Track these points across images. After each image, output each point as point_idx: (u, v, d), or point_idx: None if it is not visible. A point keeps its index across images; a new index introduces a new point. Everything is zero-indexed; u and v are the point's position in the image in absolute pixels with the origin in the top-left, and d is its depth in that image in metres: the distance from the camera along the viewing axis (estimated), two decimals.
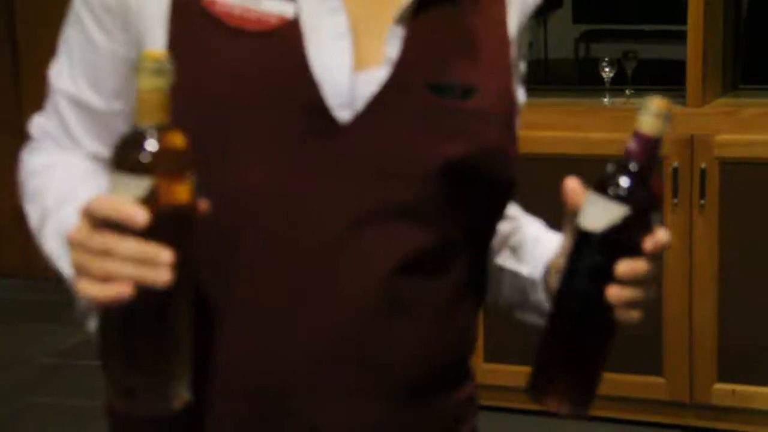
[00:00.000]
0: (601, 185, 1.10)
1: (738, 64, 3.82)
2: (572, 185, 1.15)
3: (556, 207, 3.35)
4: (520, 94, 1.38)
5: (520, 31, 1.38)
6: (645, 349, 3.50)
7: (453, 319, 1.30)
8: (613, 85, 3.71)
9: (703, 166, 3.33)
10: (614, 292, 1.09)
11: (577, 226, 1.13)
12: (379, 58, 1.23)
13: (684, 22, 3.39)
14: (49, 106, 1.38)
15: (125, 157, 1.03)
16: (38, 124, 1.39)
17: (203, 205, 1.05)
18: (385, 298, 1.23)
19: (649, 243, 1.08)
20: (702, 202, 3.34)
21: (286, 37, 1.20)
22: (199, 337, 1.16)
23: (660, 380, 3.53)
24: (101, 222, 1.01)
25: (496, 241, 1.39)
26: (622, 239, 1.10)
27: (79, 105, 1.35)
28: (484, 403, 3.53)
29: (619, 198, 1.09)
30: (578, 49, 3.98)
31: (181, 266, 1.01)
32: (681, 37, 3.47)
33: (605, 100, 3.64)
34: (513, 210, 1.42)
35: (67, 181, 1.34)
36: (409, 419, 1.28)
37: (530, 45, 4.46)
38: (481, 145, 1.25)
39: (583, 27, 3.79)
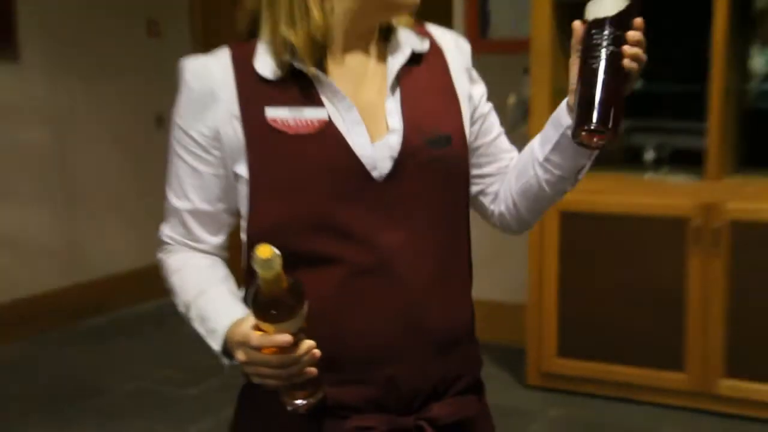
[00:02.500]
0: None
1: (744, 150, 4.09)
2: (579, 23, 1.45)
3: (620, 263, 3.97)
4: (487, 112, 1.67)
5: (467, 73, 1.65)
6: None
7: (467, 289, 1.62)
8: (653, 166, 4.06)
9: (716, 225, 3.72)
10: (630, 49, 1.40)
11: (591, 17, 1.42)
12: (383, 128, 1.52)
13: (705, 119, 3.76)
14: (172, 219, 1.62)
15: (276, 313, 1.34)
16: (167, 234, 1.63)
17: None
18: (436, 275, 1.53)
19: (640, 21, 1.40)
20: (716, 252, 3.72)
21: (329, 132, 1.48)
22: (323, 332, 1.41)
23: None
24: (257, 348, 1.34)
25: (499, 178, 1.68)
26: (626, 19, 1.39)
27: (196, 214, 1.59)
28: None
29: None
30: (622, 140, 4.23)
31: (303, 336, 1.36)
32: (702, 132, 3.80)
33: (649, 175, 4.00)
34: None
35: (200, 276, 1.59)
36: (449, 365, 1.56)
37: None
38: (462, 177, 1.59)
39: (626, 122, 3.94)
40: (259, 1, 1.51)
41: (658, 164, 4.09)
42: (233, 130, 1.49)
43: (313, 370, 1.37)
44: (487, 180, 1.68)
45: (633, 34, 1.39)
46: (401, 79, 1.55)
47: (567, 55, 3.97)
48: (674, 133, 4.13)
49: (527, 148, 1.61)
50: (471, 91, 1.62)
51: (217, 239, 1.60)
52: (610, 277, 3.97)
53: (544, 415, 3.93)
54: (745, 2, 3.96)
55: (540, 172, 1.57)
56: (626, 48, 1.38)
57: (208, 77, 1.52)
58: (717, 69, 3.70)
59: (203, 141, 1.52)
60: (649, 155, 4.08)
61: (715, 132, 3.76)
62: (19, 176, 5.00)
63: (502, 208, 1.66)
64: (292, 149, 1.47)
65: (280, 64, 1.47)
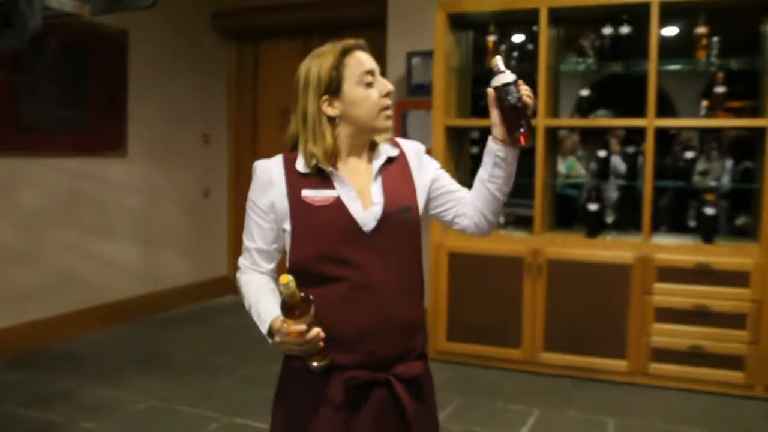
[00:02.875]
0: (497, 71, 1.51)
1: (555, 217, 4.16)
2: (491, 89, 1.51)
3: (483, 284, 3.71)
4: (446, 181, 1.61)
5: (422, 166, 1.60)
6: None
7: (421, 298, 1.57)
8: (504, 226, 4.09)
9: (540, 261, 3.80)
10: (525, 92, 1.49)
11: (500, 83, 1.49)
12: (370, 201, 1.50)
13: (533, 198, 3.83)
14: (245, 253, 1.57)
15: (295, 314, 1.34)
16: (241, 262, 1.58)
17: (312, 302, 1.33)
18: (401, 289, 1.50)
19: (522, 82, 1.48)
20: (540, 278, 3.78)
21: (339, 205, 1.47)
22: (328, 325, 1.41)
23: None
24: (286, 334, 1.36)
25: (462, 205, 1.61)
26: (517, 80, 1.50)
27: (260, 251, 1.56)
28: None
29: (512, 71, 1.50)
30: None
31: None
32: (532, 206, 3.88)
33: (500, 231, 3.99)
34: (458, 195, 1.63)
35: (258, 289, 1.55)
36: (408, 342, 1.53)
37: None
38: (416, 231, 1.56)
39: None
40: (297, 129, 1.52)
41: (506, 225, 4.16)
42: (282, 203, 1.50)
43: (321, 344, 1.40)
44: (454, 209, 1.64)
45: (523, 85, 1.51)
46: (381, 172, 1.54)
47: (454, 161, 4.20)
48: (517, 206, 4.15)
49: (476, 181, 1.59)
50: (423, 174, 1.59)
51: (271, 266, 1.58)
52: (479, 293, 3.97)
53: (437, 377, 3.70)
54: (554, 131, 4.08)
55: (490, 186, 1.57)
56: (523, 91, 1.50)
57: (270, 171, 1.52)
58: (539, 170, 3.86)
59: (265, 208, 1.52)
60: (501, 220, 4.13)
61: (538, 207, 3.88)
62: (121, 223, 4.96)
63: (475, 220, 1.61)
64: (316, 214, 1.48)
65: (311, 166, 1.49)
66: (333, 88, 1.49)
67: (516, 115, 1.48)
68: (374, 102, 1.51)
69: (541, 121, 3.82)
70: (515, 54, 4.08)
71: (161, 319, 5.17)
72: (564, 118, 4.14)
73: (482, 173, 1.58)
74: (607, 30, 3.82)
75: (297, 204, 1.48)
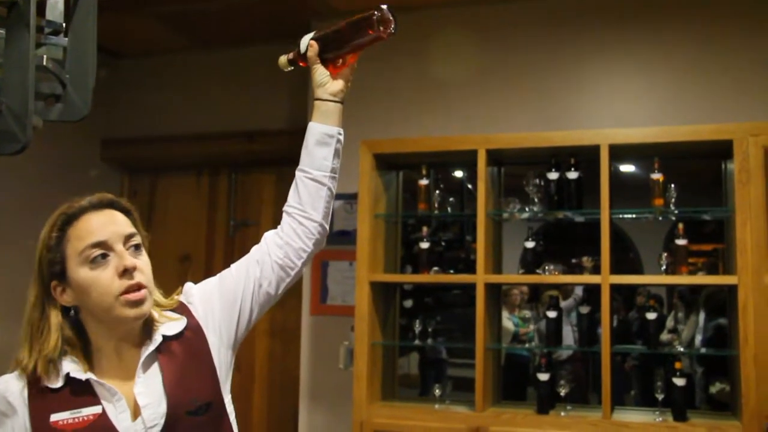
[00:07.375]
0: (299, 55, 1.65)
1: (500, 387, 4.09)
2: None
3: None
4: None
5: (209, 319, 1.49)
6: None
7: None
8: (440, 399, 3.92)
9: None
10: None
11: (310, 38, 1.60)
12: (138, 408, 1.37)
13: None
14: None
15: None
16: None
17: None
18: None
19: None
20: None
21: (100, 423, 1.34)
22: None
23: None
24: None
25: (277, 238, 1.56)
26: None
27: None
28: None
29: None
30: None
31: None
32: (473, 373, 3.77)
33: (436, 405, 3.88)
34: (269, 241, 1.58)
35: None
36: None
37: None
38: (229, 428, 1.45)
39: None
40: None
41: (442, 397, 4.01)
42: None
43: None
44: (272, 265, 1.55)
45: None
46: (161, 361, 1.41)
47: (381, 321, 4.06)
48: (456, 367, 4.12)
49: (304, 184, 1.53)
50: (213, 328, 1.48)
51: None
52: None
53: None
54: (495, 287, 4.06)
55: (329, 181, 1.54)
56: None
57: (7, 393, 1.36)
58: (479, 333, 3.75)
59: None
60: (437, 391, 4.01)
61: (480, 376, 3.77)
62: None
63: (305, 241, 1.55)
64: None
65: (57, 377, 1.35)
66: (57, 270, 1.37)
67: (355, 26, 1.52)
68: (105, 286, 1.36)
69: (481, 277, 3.83)
70: (452, 200, 4.13)
71: None
72: (507, 274, 4.10)
73: (315, 171, 1.52)
74: (553, 175, 3.91)
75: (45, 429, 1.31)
